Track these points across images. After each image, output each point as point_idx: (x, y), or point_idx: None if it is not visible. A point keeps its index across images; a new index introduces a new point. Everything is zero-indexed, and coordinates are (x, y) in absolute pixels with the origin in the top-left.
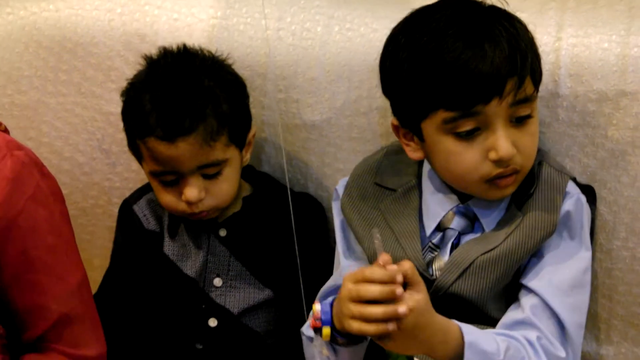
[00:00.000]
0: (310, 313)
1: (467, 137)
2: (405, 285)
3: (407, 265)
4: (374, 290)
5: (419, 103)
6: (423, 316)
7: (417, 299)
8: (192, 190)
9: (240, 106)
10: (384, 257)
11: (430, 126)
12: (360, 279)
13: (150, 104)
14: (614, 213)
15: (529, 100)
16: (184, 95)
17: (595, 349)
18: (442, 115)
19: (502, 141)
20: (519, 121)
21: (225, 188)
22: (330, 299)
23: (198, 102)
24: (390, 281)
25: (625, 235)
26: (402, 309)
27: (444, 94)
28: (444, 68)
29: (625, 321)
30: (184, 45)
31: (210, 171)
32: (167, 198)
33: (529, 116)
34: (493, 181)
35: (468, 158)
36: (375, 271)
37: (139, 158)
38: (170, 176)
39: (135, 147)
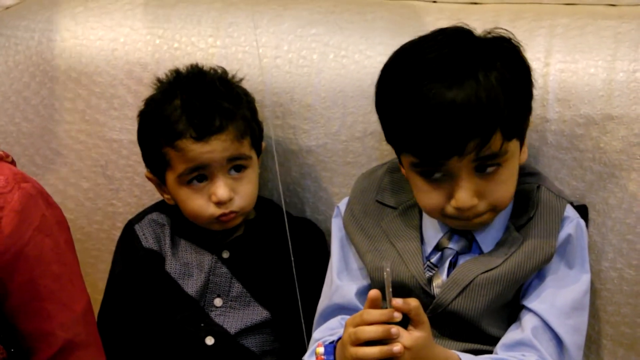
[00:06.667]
0: (312, 349)
1: (433, 181)
2: (409, 321)
3: (413, 303)
4: (370, 330)
5: (394, 140)
6: (422, 352)
7: (416, 336)
8: (223, 189)
9: (256, 115)
10: (373, 294)
11: (405, 161)
12: (359, 322)
13: (180, 108)
14: (602, 234)
15: (496, 156)
16: (213, 98)
17: None
18: (410, 158)
19: (462, 193)
20: (485, 173)
21: (250, 190)
22: (334, 338)
23: (227, 103)
24: (387, 321)
25: (613, 256)
26: (396, 347)
27: (409, 142)
28: (412, 119)
29: (615, 341)
30: (196, 64)
31: (238, 164)
32: (197, 203)
33: (497, 166)
34: (457, 218)
35: (433, 198)
36: (371, 313)
37: (164, 168)
38: (199, 174)
39: (159, 157)
